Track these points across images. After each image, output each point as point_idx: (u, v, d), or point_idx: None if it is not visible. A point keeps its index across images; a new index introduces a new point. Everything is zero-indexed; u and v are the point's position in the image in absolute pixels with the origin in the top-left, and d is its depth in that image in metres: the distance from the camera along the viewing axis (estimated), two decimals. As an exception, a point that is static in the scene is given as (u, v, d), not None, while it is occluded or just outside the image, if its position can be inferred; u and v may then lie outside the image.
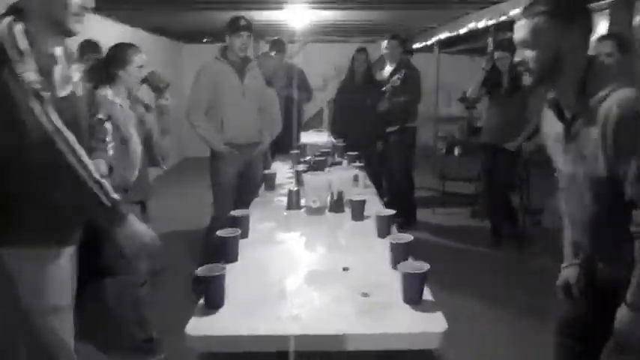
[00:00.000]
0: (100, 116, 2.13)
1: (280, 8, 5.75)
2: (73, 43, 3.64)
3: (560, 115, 1.61)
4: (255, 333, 1.49)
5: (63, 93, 1.58)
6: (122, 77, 2.77)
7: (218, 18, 5.76)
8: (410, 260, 1.80)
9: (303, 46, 9.28)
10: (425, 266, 1.66)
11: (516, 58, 1.59)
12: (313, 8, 5.72)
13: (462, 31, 6.27)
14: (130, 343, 2.79)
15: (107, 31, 5.58)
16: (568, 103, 1.58)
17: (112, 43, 2.92)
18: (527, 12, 1.54)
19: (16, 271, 1.57)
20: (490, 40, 5.92)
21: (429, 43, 7.84)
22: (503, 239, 4.74)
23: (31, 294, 1.60)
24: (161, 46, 8.34)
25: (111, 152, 2.14)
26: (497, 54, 4.51)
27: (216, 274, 1.62)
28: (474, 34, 6.19)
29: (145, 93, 3.10)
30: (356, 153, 4.11)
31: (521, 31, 1.55)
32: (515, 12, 4.84)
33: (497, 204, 4.75)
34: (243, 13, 5.33)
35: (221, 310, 1.60)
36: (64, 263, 1.67)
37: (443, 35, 7.08)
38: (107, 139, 2.12)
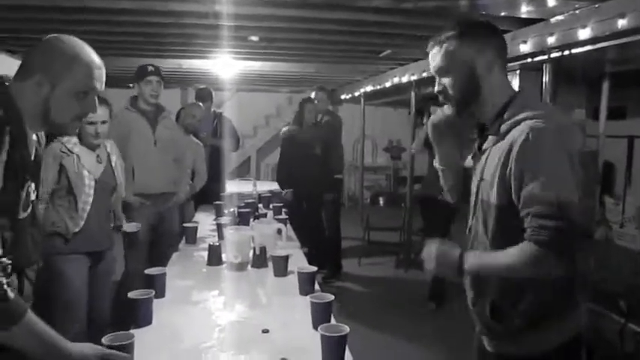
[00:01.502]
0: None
1: (206, 57, 5.76)
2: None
3: (480, 134, 1.63)
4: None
5: None
6: (82, 132, 2.75)
7: (138, 64, 5.67)
8: (332, 322, 1.76)
9: (232, 95, 9.30)
10: (344, 329, 1.62)
11: (436, 88, 1.59)
12: (241, 59, 5.77)
13: (387, 84, 6.50)
14: None
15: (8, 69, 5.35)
16: (488, 124, 1.58)
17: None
18: (437, 39, 1.55)
19: None
20: (412, 94, 6.14)
21: (356, 94, 8.05)
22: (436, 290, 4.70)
23: None
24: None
25: None
26: (432, 109, 4.65)
27: (124, 342, 1.51)
28: (397, 88, 6.42)
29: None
30: (281, 204, 4.08)
31: (435, 59, 1.56)
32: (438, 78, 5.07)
33: None
34: (168, 61, 5.34)
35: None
36: None
37: (368, 88, 7.30)
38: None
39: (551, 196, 1.34)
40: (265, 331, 1.89)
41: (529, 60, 3.81)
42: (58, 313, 2.64)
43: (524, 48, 3.68)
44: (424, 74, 5.34)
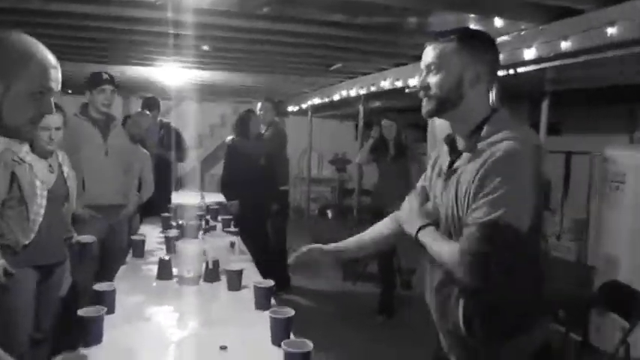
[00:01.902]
0: None
1: (151, 65, 5.62)
2: None
3: (452, 151, 1.62)
4: None
5: None
6: (36, 139, 2.68)
7: (84, 70, 5.48)
8: (292, 338, 1.73)
9: (177, 104, 9.13)
10: (309, 345, 1.59)
11: (419, 83, 1.57)
12: (185, 67, 5.67)
13: (335, 97, 6.55)
14: None
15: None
16: (461, 140, 1.59)
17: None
18: (440, 36, 1.56)
19: None
20: (361, 107, 6.22)
21: (303, 106, 8.07)
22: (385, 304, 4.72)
23: None
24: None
25: None
26: (383, 122, 4.70)
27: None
28: (345, 101, 6.48)
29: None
30: (230, 217, 4.01)
31: (429, 54, 1.55)
32: (383, 83, 5.17)
33: (387, 268, 4.78)
34: (112, 68, 5.17)
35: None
36: None
37: (316, 100, 7.34)
38: None
39: (496, 217, 1.37)
40: (223, 348, 1.83)
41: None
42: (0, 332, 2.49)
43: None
44: (372, 88, 5.42)
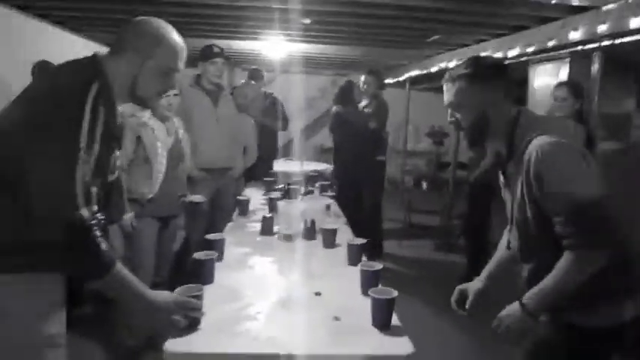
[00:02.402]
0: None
1: (256, 39, 5.91)
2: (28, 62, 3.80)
3: (500, 164, 1.77)
4: (231, 351, 1.56)
5: None
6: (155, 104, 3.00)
7: (194, 44, 5.86)
8: (379, 287, 1.90)
9: (277, 76, 9.45)
10: (393, 293, 1.76)
11: (450, 118, 1.75)
12: (291, 41, 5.90)
13: (433, 69, 6.54)
14: (117, 349, 3.01)
15: (84, 51, 5.65)
16: (503, 153, 1.73)
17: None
18: (449, 77, 1.72)
19: (19, 298, 1.51)
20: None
21: (400, 79, 8.09)
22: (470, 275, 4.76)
23: (35, 323, 1.54)
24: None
25: None
26: None
27: (196, 293, 1.70)
28: (443, 73, 6.44)
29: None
30: (328, 182, 4.22)
31: (447, 94, 1.73)
32: (483, 54, 5.11)
33: (475, 242, 4.78)
34: (219, 42, 5.49)
35: (198, 329, 1.67)
36: (60, 288, 1.64)
37: (414, 72, 7.34)
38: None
39: (571, 201, 1.48)
40: (317, 294, 2.04)
41: (579, 48, 3.82)
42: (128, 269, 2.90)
43: (575, 35, 3.70)
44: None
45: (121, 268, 1.50)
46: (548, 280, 1.57)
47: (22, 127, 1.42)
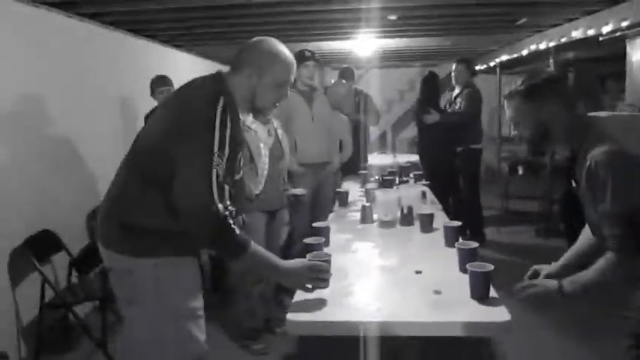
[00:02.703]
0: None
1: (344, 39, 6.12)
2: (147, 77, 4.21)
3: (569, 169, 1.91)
4: (343, 319, 1.77)
5: None
6: None
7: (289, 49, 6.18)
8: (476, 262, 2.04)
9: (367, 72, 9.63)
10: (490, 267, 1.90)
11: (514, 132, 1.90)
12: (378, 37, 6.06)
13: (524, 52, 6.44)
14: (239, 329, 3.40)
15: (182, 64, 6.15)
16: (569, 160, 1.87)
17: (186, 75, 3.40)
18: (508, 97, 1.87)
19: (168, 278, 1.83)
20: (551, 61, 6.04)
21: (491, 64, 7.99)
22: None
23: (181, 298, 1.86)
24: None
25: None
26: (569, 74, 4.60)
27: (325, 259, 2.01)
28: (534, 56, 6.33)
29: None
30: (421, 172, 4.35)
31: (508, 111, 1.88)
32: (574, 33, 5.01)
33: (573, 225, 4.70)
34: (309, 45, 5.76)
35: (312, 302, 1.90)
36: (196, 265, 1.98)
37: (504, 57, 7.24)
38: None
39: (613, 211, 1.63)
40: (418, 272, 2.21)
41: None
42: None
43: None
44: (562, 39, 5.26)
45: (255, 246, 1.78)
46: (589, 273, 1.72)
47: (167, 135, 1.73)
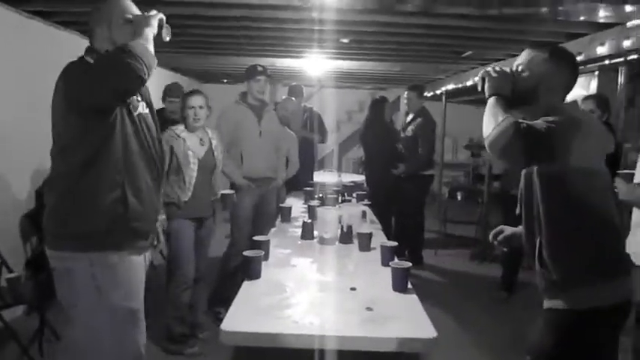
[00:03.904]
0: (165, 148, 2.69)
1: (297, 57, 6.23)
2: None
3: None
4: (276, 331, 1.82)
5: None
6: (186, 116, 3.41)
7: (239, 62, 6.26)
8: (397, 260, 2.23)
9: (317, 91, 9.76)
10: (407, 264, 2.26)
11: (512, 69, 1.90)
12: (331, 58, 6.19)
13: (468, 83, 6.72)
14: (169, 334, 3.41)
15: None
16: None
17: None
18: (534, 46, 1.90)
19: (108, 277, 1.85)
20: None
21: (437, 92, 8.27)
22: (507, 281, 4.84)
23: (120, 297, 1.87)
24: (181, 84, 8.82)
25: None
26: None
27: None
28: (477, 87, 6.59)
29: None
30: (364, 192, 4.45)
31: (522, 56, 1.90)
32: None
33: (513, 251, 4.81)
34: (263, 60, 5.84)
35: (248, 313, 1.93)
36: (141, 269, 1.99)
37: (450, 86, 7.52)
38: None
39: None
40: (353, 289, 2.28)
41: (606, 62, 3.97)
42: (172, 266, 3.40)
43: (602, 50, 3.86)
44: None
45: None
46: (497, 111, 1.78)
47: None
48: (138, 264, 1.96)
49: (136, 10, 2.00)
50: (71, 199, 1.83)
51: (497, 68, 1.87)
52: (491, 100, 1.80)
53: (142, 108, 2.01)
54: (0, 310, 3.11)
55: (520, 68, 1.88)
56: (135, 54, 1.72)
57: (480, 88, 1.89)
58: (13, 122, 3.85)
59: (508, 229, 2.15)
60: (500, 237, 2.13)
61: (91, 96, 1.73)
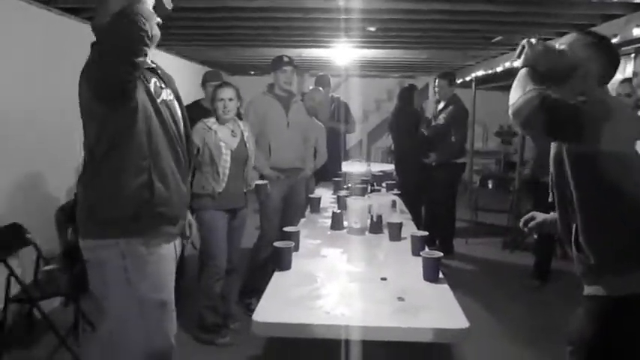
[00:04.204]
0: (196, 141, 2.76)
1: (325, 47, 6.20)
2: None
3: None
4: (308, 322, 1.82)
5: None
6: (215, 109, 3.43)
7: (265, 53, 6.27)
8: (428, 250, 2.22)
9: (344, 81, 9.72)
10: (439, 254, 2.28)
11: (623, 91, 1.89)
12: (357, 47, 6.15)
13: (498, 69, 6.60)
14: (202, 323, 3.45)
15: (161, 63, 6.12)
16: None
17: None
18: (578, 30, 1.89)
19: (138, 269, 1.87)
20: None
21: (467, 79, 8.15)
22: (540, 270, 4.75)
23: (149, 288, 1.90)
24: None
25: None
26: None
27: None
28: (508, 72, 6.49)
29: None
30: (393, 182, 4.42)
31: (566, 37, 1.85)
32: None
33: (546, 237, 4.59)
34: (289, 51, 5.83)
35: (279, 304, 1.94)
36: (171, 260, 2.01)
37: (479, 72, 7.40)
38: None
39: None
40: (383, 279, 2.28)
41: (644, 44, 3.85)
42: (204, 256, 3.45)
43: (638, 32, 3.73)
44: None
45: None
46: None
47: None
48: (168, 255, 1.98)
49: None
50: (97, 186, 1.86)
51: (542, 42, 1.83)
52: (523, 71, 1.76)
53: (167, 95, 2.01)
54: (38, 302, 3.20)
55: (562, 48, 1.84)
56: (127, 13, 1.73)
57: (516, 56, 1.85)
58: (51, 118, 3.94)
59: (539, 216, 2.11)
60: (532, 224, 2.09)
61: (107, 71, 1.73)
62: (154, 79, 1.96)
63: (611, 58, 1.83)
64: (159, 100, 1.95)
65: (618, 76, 4.09)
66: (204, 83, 4.36)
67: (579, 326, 1.78)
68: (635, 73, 4.21)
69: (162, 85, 2.01)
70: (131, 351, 1.88)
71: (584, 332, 1.76)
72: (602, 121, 1.62)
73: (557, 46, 1.85)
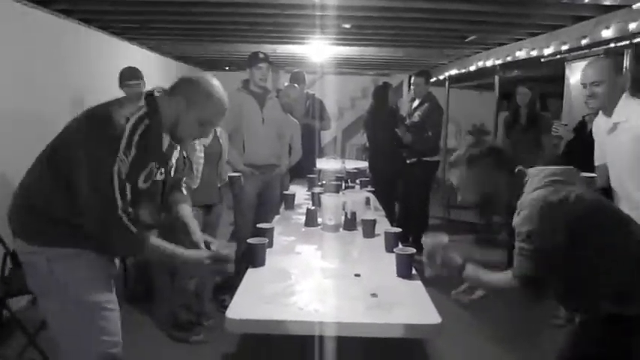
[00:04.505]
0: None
1: (300, 43, 6.19)
2: (115, 70, 4.08)
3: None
4: (282, 319, 1.82)
5: None
6: None
7: (241, 49, 6.23)
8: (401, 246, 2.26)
9: (320, 78, 9.72)
10: (412, 250, 2.26)
11: (459, 199, 2.04)
12: (333, 44, 6.15)
13: (471, 68, 6.68)
14: (176, 321, 3.45)
15: (133, 57, 6.05)
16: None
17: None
18: (452, 164, 2.02)
19: (65, 270, 1.84)
20: (496, 77, 6.30)
21: (440, 77, 8.23)
22: None
23: (82, 291, 1.85)
24: (183, 73, 8.76)
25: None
26: (519, 89, 4.65)
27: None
28: (481, 72, 6.57)
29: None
30: (367, 179, 4.43)
31: (452, 178, 2.03)
32: (518, 53, 5.24)
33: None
34: (265, 47, 5.80)
35: (253, 301, 1.93)
36: (105, 261, 1.96)
37: (453, 71, 7.48)
38: None
39: (529, 247, 1.77)
40: (357, 275, 2.28)
41: (612, 45, 3.93)
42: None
43: (607, 33, 3.82)
44: (508, 58, 5.50)
45: (154, 240, 1.87)
46: (489, 275, 1.96)
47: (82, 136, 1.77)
48: (100, 256, 1.92)
49: (218, 122, 2.10)
50: (38, 191, 1.85)
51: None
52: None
53: (159, 175, 2.01)
54: (5, 299, 3.13)
55: (457, 189, 2.01)
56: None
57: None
58: (50, 118, 3.86)
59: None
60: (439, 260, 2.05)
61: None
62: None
63: (500, 155, 1.95)
64: (148, 183, 1.93)
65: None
66: (121, 83, 3.99)
67: (571, 344, 1.86)
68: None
69: (160, 170, 2.01)
70: (74, 352, 1.87)
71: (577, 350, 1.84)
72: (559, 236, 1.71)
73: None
